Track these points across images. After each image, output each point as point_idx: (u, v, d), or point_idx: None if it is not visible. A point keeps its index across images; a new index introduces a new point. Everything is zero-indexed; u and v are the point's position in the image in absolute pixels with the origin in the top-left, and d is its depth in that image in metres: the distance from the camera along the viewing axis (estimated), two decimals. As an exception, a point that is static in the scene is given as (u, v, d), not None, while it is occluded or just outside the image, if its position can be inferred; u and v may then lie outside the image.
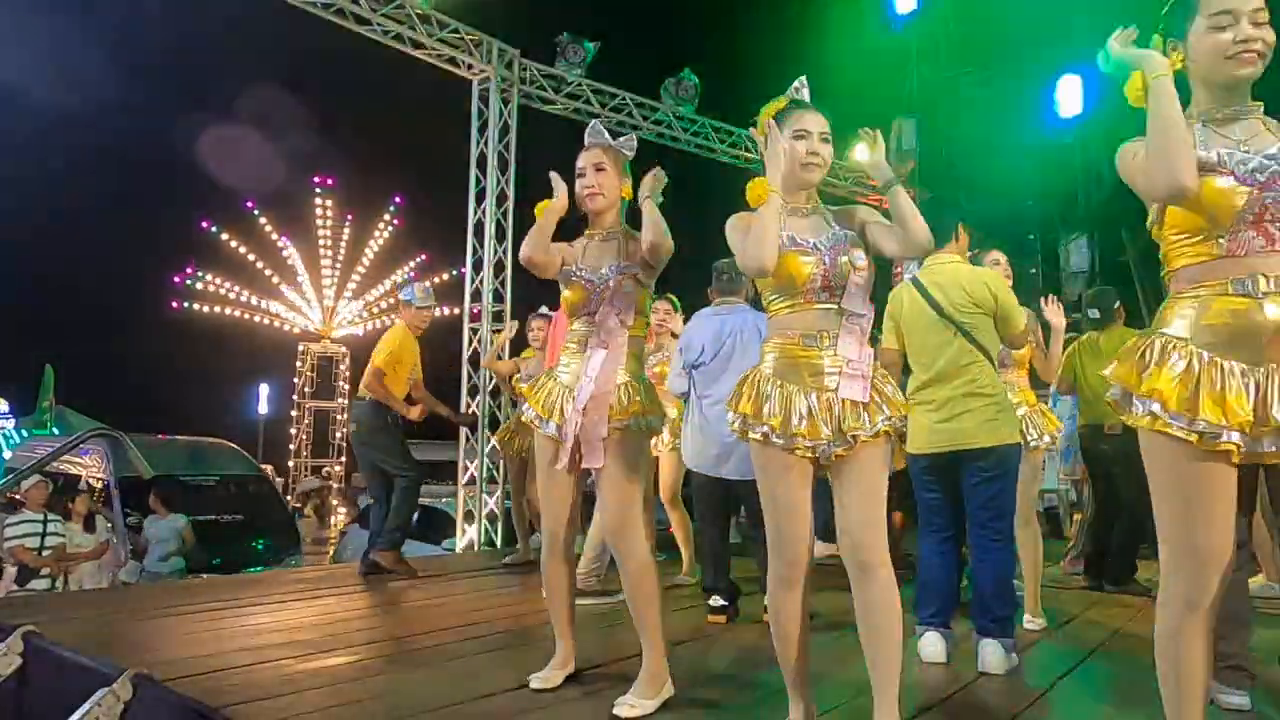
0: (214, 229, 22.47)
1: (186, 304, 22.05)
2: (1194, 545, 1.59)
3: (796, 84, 2.18)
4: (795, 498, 2.04)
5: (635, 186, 2.60)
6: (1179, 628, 1.62)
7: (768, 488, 2.08)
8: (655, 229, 2.46)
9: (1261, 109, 1.69)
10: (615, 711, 2.31)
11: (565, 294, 2.59)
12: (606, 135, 2.65)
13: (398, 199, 23.40)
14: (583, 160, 2.59)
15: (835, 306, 2.06)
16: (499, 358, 5.73)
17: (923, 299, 3.06)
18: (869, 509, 2.00)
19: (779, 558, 2.06)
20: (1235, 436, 1.53)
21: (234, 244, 22.55)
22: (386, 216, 24.07)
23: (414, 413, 4.92)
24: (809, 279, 2.04)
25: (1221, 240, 1.59)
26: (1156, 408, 1.59)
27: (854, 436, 1.99)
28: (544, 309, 5.23)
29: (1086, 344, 4.67)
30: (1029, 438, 3.46)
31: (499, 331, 6.58)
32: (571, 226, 2.66)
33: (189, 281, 21.77)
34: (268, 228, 23.42)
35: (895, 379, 3.12)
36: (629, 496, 2.44)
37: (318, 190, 23.04)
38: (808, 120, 2.11)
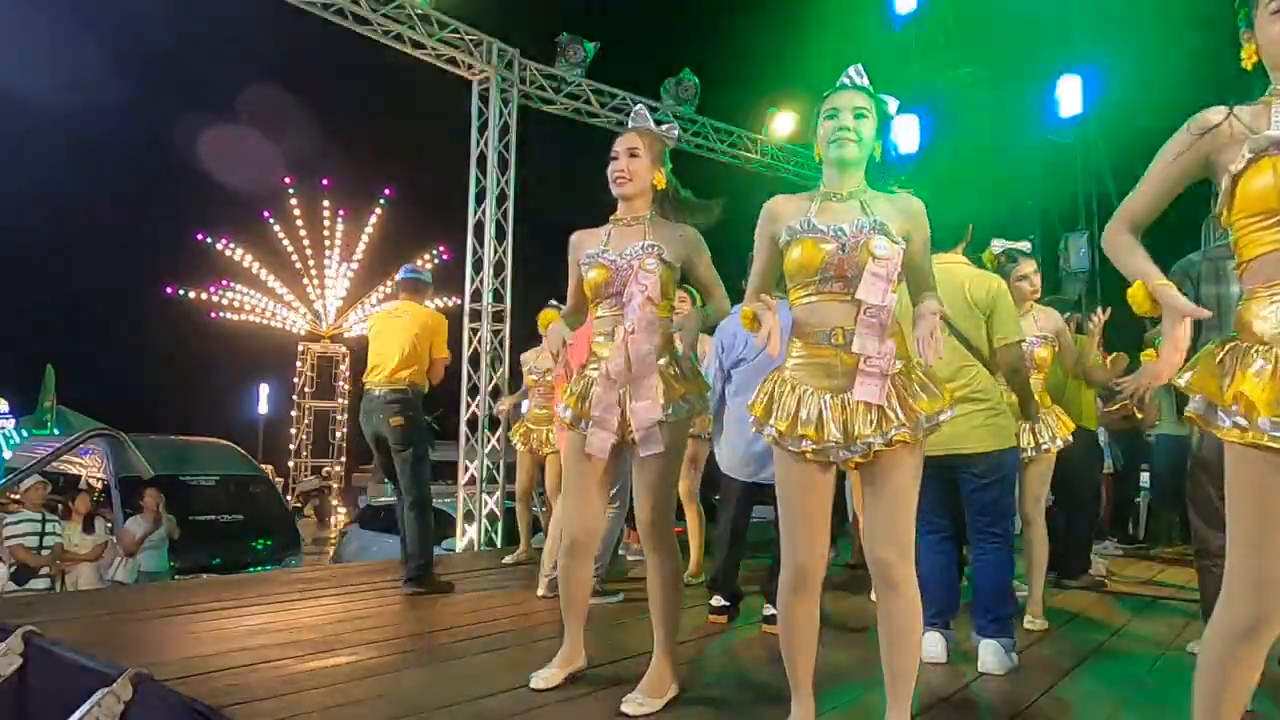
0: (213, 230, 22.54)
1: (223, 315, 22.14)
2: (1262, 569, 1.45)
3: (847, 71, 2.06)
4: (805, 503, 1.99)
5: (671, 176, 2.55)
6: (1228, 655, 1.51)
7: (780, 491, 2.04)
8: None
9: None
10: (624, 709, 2.30)
11: (589, 278, 2.48)
12: (648, 120, 2.58)
13: (387, 190, 23.50)
14: (618, 144, 2.52)
15: (850, 298, 1.93)
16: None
17: None
18: (892, 521, 1.95)
19: (789, 563, 2.02)
20: None
21: (232, 246, 22.63)
22: (386, 215, 24.14)
23: None
24: (821, 266, 1.96)
25: None
26: (1242, 420, 1.45)
27: (867, 444, 1.90)
28: (553, 302, 5.17)
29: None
30: (1041, 440, 3.45)
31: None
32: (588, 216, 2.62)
33: (182, 291, 21.85)
34: (276, 227, 23.47)
35: None
36: (669, 492, 2.39)
37: (291, 190, 23.10)
38: (839, 99, 2.02)
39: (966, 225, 3.18)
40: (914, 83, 10.99)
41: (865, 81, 2.06)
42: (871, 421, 1.91)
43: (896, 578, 1.95)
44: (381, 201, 23.52)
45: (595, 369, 2.47)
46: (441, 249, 22.48)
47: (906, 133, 10.84)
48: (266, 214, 23.28)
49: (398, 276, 4.79)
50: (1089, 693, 2.70)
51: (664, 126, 2.61)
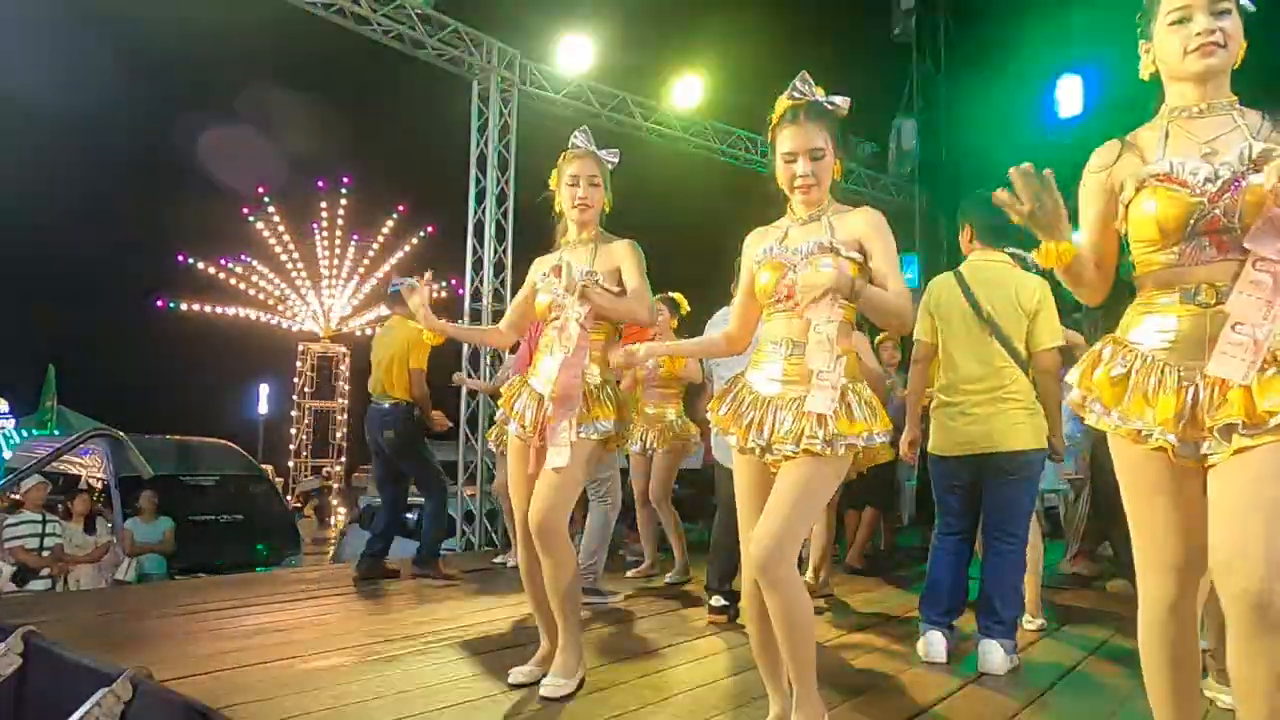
0: (211, 233, 22.59)
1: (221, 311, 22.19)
2: (1152, 548, 1.61)
3: (794, 84, 2.06)
4: (740, 494, 2.10)
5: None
6: (1151, 629, 1.63)
7: (735, 486, 2.14)
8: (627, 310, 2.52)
9: (1236, 102, 1.66)
10: (542, 693, 2.41)
11: (540, 302, 2.60)
12: (592, 143, 2.68)
13: (346, 179, 23.71)
14: (576, 168, 2.60)
15: (801, 316, 2.00)
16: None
17: (963, 296, 2.98)
18: (769, 521, 1.94)
19: (745, 557, 2.07)
20: (1170, 437, 1.52)
21: (227, 253, 22.69)
22: (389, 220, 24.20)
23: (438, 418, 4.84)
24: (772, 290, 2.07)
25: (1174, 250, 1.59)
26: (1098, 407, 1.63)
27: (779, 449, 1.96)
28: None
29: None
30: None
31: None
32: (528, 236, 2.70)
33: (172, 304, 21.91)
34: (275, 227, 23.51)
35: (921, 375, 3.10)
36: (562, 498, 2.45)
37: (263, 194, 23.18)
38: (793, 140, 2.04)
39: (1013, 225, 3.19)
40: (914, 83, 11.00)
41: (813, 91, 2.06)
42: (786, 428, 1.96)
43: (764, 572, 1.91)
44: (343, 191, 23.65)
45: (535, 377, 2.56)
46: (430, 229, 22.75)
47: (907, 133, 10.85)
48: (264, 214, 23.31)
49: (388, 292, 5.13)
50: (1089, 693, 2.70)
51: (606, 151, 2.69)
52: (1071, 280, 1.74)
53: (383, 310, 24.19)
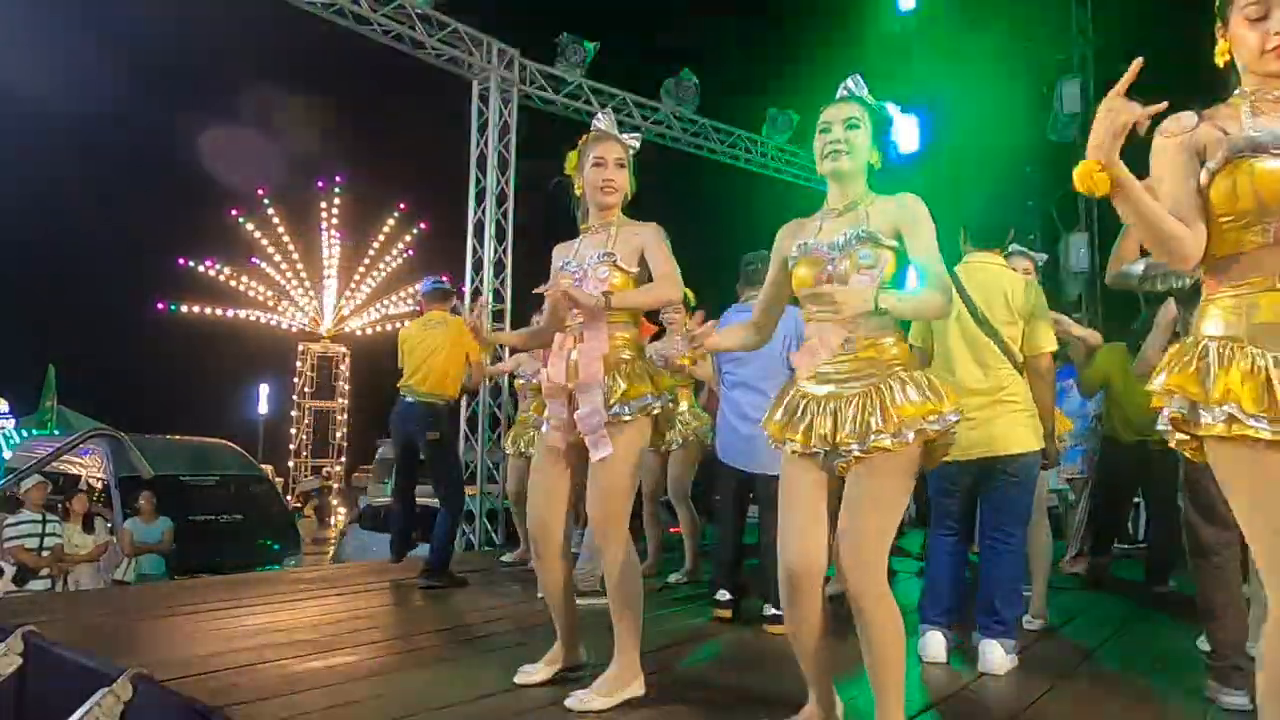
0: (210, 235, 22.63)
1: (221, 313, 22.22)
2: None
3: (845, 83, 2.09)
4: (789, 498, 2.03)
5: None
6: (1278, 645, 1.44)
7: (779, 490, 2.07)
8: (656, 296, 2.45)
9: None
10: (566, 703, 2.33)
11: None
12: (615, 126, 2.63)
13: (339, 177, 23.86)
14: (602, 150, 2.52)
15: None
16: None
17: (960, 297, 2.95)
18: (855, 530, 1.88)
19: (780, 561, 2.01)
20: None
21: (223, 260, 22.74)
22: (389, 220, 24.22)
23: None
24: (811, 285, 2.01)
25: (1269, 226, 1.47)
26: (1234, 409, 1.44)
27: (849, 450, 1.90)
28: None
29: (1122, 353, 4.27)
30: None
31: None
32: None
33: (173, 305, 21.94)
34: (274, 228, 23.51)
35: None
36: (618, 486, 2.39)
37: (263, 195, 23.23)
38: (831, 112, 2.05)
39: (1008, 227, 3.22)
40: (914, 83, 11.00)
41: (863, 92, 2.08)
42: (854, 428, 1.89)
43: (859, 589, 1.87)
44: (337, 190, 23.75)
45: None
46: (422, 225, 22.87)
47: (906, 133, 10.85)
48: (264, 214, 23.33)
49: (421, 289, 4.93)
50: (1089, 693, 2.70)
51: (630, 135, 2.65)
52: (1150, 237, 1.53)
53: (384, 309, 24.26)
